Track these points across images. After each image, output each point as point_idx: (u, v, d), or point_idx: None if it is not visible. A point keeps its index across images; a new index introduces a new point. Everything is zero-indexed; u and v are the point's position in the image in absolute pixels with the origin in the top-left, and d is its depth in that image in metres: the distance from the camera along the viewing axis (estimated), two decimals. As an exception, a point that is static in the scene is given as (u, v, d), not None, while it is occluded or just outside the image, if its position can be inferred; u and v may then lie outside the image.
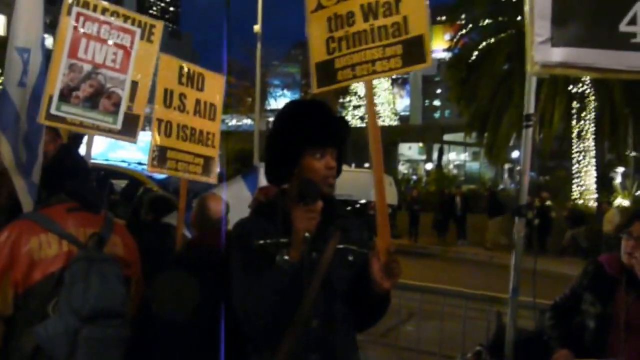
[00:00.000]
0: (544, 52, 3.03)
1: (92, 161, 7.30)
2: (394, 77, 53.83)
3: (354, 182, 16.41)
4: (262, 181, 4.63)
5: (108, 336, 2.49)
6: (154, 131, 3.86)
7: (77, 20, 3.56)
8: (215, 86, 4.29)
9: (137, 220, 5.00)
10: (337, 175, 2.34)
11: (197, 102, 4.14)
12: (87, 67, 3.60)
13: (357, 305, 2.25)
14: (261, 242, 2.19)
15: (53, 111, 3.48)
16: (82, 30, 3.58)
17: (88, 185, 2.87)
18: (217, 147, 4.32)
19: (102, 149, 8.14)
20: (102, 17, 3.66)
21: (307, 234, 2.07)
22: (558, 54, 3.02)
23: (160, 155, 3.90)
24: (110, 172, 8.25)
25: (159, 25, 3.93)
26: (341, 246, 2.26)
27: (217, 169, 4.40)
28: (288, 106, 2.48)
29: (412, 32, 2.41)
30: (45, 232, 2.57)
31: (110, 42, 3.69)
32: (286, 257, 2.07)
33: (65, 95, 3.53)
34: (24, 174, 3.29)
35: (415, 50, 2.41)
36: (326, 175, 2.25)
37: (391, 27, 2.44)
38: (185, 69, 4.08)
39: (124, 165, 9.60)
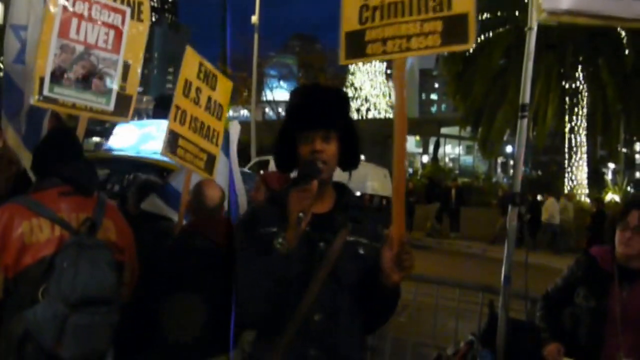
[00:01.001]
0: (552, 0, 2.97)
1: (122, 153, 7.26)
2: (388, 71, 53.78)
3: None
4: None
5: (96, 323, 2.49)
6: (171, 116, 3.93)
7: (66, 0, 3.50)
8: (224, 89, 4.49)
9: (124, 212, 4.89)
10: (351, 159, 2.28)
11: (209, 99, 4.29)
12: (79, 48, 3.56)
13: (366, 299, 2.15)
14: (265, 229, 2.13)
15: (46, 93, 3.44)
16: (72, 10, 3.53)
17: (81, 168, 2.83)
18: (219, 147, 4.43)
19: (134, 142, 8.04)
20: None
21: (300, 214, 1.99)
22: (565, 2, 2.97)
23: (172, 141, 3.95)
24: (140, 164, 8.14)
25: (146, 3, 3.90)
26: (351, 238, 2.17)
27: (217, 167, 4.47)
28: (290, 93, 2.39)
29: (455, 9, 2.21)
30: (37, 216, 2.55)
31: (101, 22, 3.65)
32: (281, 240, 2.00)
33: (57, 77, 3.49)
34: (31, 148, 3.26)
35: (457, 29, 2.21)
36: (312, 159, 2.14)
37: (432, 1, 2.24)
38: (204, 66, 4.22)
39: (156, 157, 9.43)
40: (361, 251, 2.18)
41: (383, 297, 2.12)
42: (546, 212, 18.88)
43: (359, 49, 2.33)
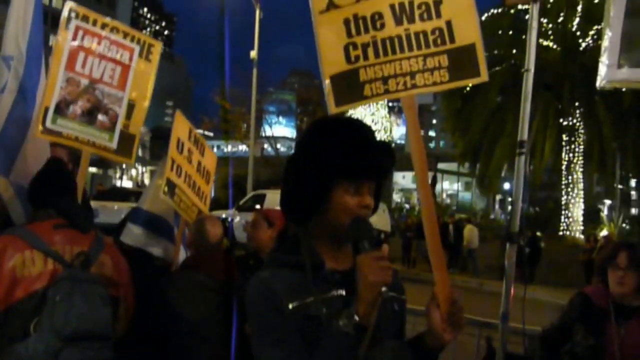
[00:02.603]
0: (611, 73, 3.08)
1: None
2: (390, 104, 54.18)
3: None
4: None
5: (89, 358, 2.43)
6: (168, 166, 4.00)
7: (75, 34, 3.54)
8: (210, 158, 4.64)
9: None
10: (371, 214, 1.85)
11: (199, 163, 4.44)
12: (84, 82, 3.58)
13: None
14: (296, 303, 1.68)
15: (49, 125, 3.44)
16: (80, 44, 3.56)
17: (77, 203, 2.83)
18: (207, 206, 4.53)
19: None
20: (101, 32, 3.64)
21: (384, 288, 1.62)
22: (622, 74, 3.05)
23: (170, 188, 4.03)
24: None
25: (158, 46, 3.94)
26: (389, 295, 1.74)
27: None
28: (316, 126, 1.93)
29: (460, 41, 2.08)
30: (30, 249, 2.50)
31: (108, 57, 3.67)
32: (357, 318, 1.60)
33: (62, 109, 3.49)
34: (4, 175, 3.28)
35: (465, 61, 2.07)
36: (360, 214, 1.77)
37: (432, 34, 2.08)
38: (193, 133, 4.36)
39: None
40: (396, 307, 1.89)
41: (425, 358, 1.83)
42: (465, 240, 20.51)
43: (354, 90, 2.10)
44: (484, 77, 2.07)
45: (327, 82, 2.10)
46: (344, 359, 1.60)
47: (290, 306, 1.67)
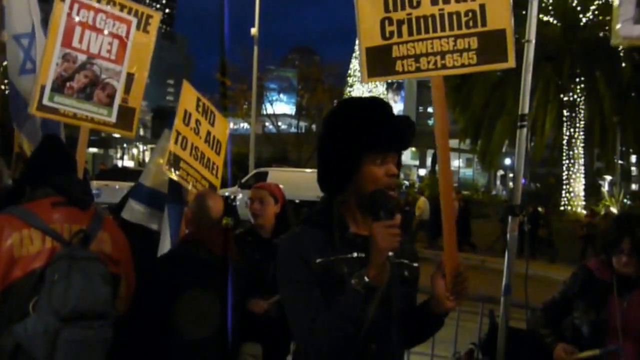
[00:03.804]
0: (627, 28, 3.02)
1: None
2: (388, 80, 53.93)
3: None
4: None
5: (89, 338, 2.40)
6: (172, 139, 3.92)
7: (71, 8, 3.48)
8: (222, 126, 4.47)
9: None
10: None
11: (208, 133, 4.28)
12: (81, 57, 3.53)
13: (414, 324, 2.05)
14: (322, 259, 1.90)
15: (45, 102, 3.41)
16: (76, 19, 3.50)
17: (75, 180, 2.78)
18: (219, 179, 4.40)
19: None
20: (97, 5, 3.58)
21: (391, 253, 1.81)
22: (639, 29, 3.01)
23: (174, 162, 3.95)
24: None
25: (156, 16, 3.87)
26: (396, 260, 1.98)
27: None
28: (342, 105, 2.15)
29: (491, 25, 2.09)
30: (28, 228, 2.47)
31: (105, 31, 3.61)
32: (367, 279, 1.78)
33: (59, 86, 3.46)
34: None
35: (494, 46, 2.09)
36: (388, 183, 1.95)
37: (465, 16, 2.10)
38: (201, 102, 4.21)
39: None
40: (406, 273, 2.06)
41: (430, 322, 2.05)
42: (419, 210, 21.29)
43: (386, 65, 2.17)
44: (511, 63, 2.13)
45: (362, 53, 2.19)
46: (352, 313, 1.78)
47: (317, 261, 1.89)
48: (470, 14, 2.11)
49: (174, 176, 3.95)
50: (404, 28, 2.14)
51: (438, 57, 2.12)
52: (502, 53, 2.11)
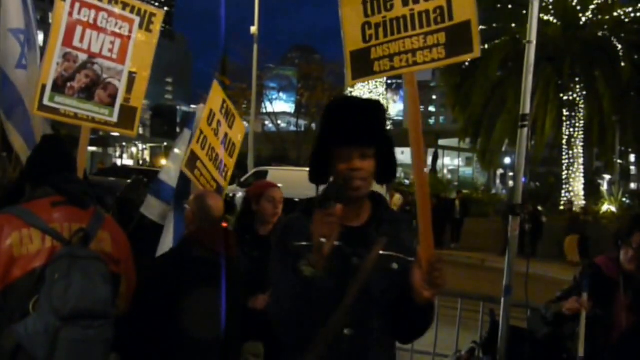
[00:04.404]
0: None
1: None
2: (388, 81, 53.96)
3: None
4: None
5: (89, 337, 2.39)
6: (195, 138, 3.98)
7: (72, 7, 3.45)
8: (239, 130, 4.59)
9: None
10: (387, 176, 2.20)
11: (226, 135, 4.37)
12: (82, 57, 3.52)
13: (399, 315, 2.13)
14: (297, 243, 2.10)
15: (46, 102, 3.39)
16: (77, 17, 3.48)
17: (74, 179, 2.77)
18: (227, 182, 4.44)
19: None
20: (99, 4, 3.56)
21: (322, 239, 1.92)
22: None
23: (192, 160, 3.98)
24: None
25: (160, 15, 3.84)
26: (385, 253, 2.11)
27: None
28: (328, 103, 2.31)
29: (457, 18, 2.20)
30: (28, 227, 2.47)
31: (107, 30, 3.58)
32: (306, 263, 1.94)
33: (60, 86, 3.44)
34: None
35: (460, 38, 2.20)
36: (349, 177, 2.08)
37: (433, 13, 2.23)
38: (226, 104, 4.31)
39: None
40: (394, 266, 2.15)
41: (416, 312, 2.10)
42: (394, 207, 20.40)
43: (366, 67, 2.33)
44: (476, 53, 2.20)
45: (347, 57, 2.36)
46: (294, 291, 1.97)
47: (295, 244, 2.10)
48: (438, 11, 2.23)
49: (191, 176, 3.97)
50: (380, 30, 2.30)
51: (410, 55, 2.26)
52: (467, 44, 2.21)
